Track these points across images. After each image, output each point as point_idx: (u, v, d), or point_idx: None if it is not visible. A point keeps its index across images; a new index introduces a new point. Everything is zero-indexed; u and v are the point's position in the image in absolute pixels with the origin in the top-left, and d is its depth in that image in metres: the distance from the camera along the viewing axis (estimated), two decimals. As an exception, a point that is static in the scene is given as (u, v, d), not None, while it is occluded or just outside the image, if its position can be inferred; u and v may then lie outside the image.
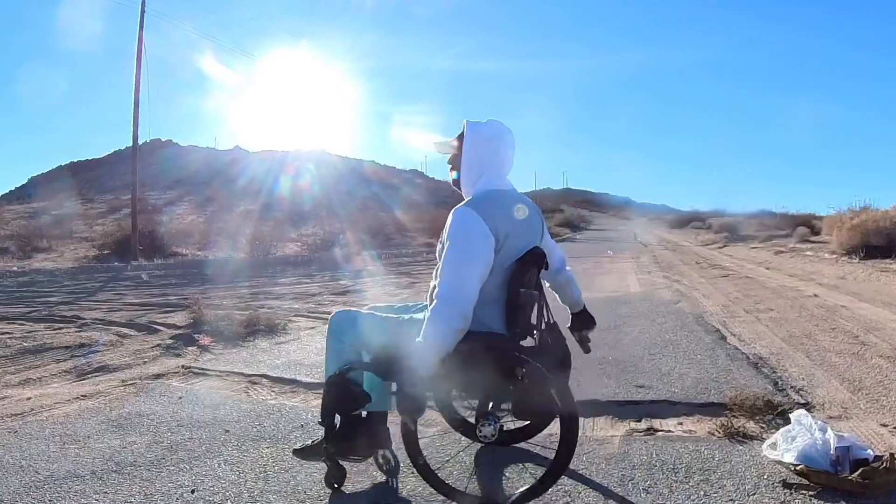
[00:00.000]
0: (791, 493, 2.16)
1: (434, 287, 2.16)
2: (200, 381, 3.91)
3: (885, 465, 2.16)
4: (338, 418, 2.23)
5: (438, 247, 2.17)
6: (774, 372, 3.81)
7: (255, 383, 3.82)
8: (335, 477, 2.25)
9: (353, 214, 28.24)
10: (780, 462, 2.36)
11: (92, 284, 10.86)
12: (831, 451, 2.24)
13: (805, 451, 2.28)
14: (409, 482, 2.31)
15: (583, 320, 2.55)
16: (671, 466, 2.41)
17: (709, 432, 2.78)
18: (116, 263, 15.63)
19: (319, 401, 2.25)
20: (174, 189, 40.44)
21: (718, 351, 4.43)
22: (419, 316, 2.19)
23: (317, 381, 3.70)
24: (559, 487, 2.22)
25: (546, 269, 2.24)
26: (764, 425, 2.83)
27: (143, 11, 17.43)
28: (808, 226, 22.34)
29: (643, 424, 2.94)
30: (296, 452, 2.33)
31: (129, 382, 3.84)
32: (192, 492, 2.26)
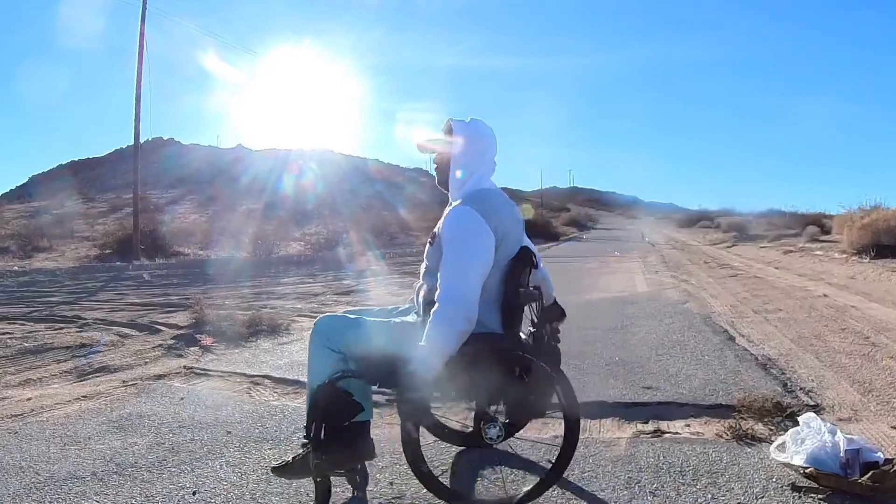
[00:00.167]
0: (800, 497, 2.14)
1: (421, 286, 2.14)
2: (202, 381, 3.89)
3: (895, 468, 2.14)
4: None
5: (428, 247, 2.15)
6: (783, 373, 3.79)
7: (258, 384, 3.80)
8: (325, 493, 2.10)
9: (356, 213, 28.26)
10: (788, 465, 2.34)
11: (93, 284, 10.86)
12: (841, 454, 2.22)
13: (814, 454, 2.26)
14: (413, 485, 2.28)
15: (553, 313, 2.50)
16: (678, 469, 2.39)
17: (717, 434, 2.76)
18: (118, 263, 15.65)
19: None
20: (176, 188, 40.54)
21: (727, 352, 4.41)
22: (410, 319, 2.17)
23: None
24: (564, 491, 2.20)
25: (536, 267, 2.21)
26: (773, 427, 2.81)
27: (144, 8, 17.41)
28: (817, 225, 22.27)
29: (650, 426, 2.92)
30: (276, 471, 2.15)
31: (131, 383, 3.82)
32: (194, 493, 2.24)
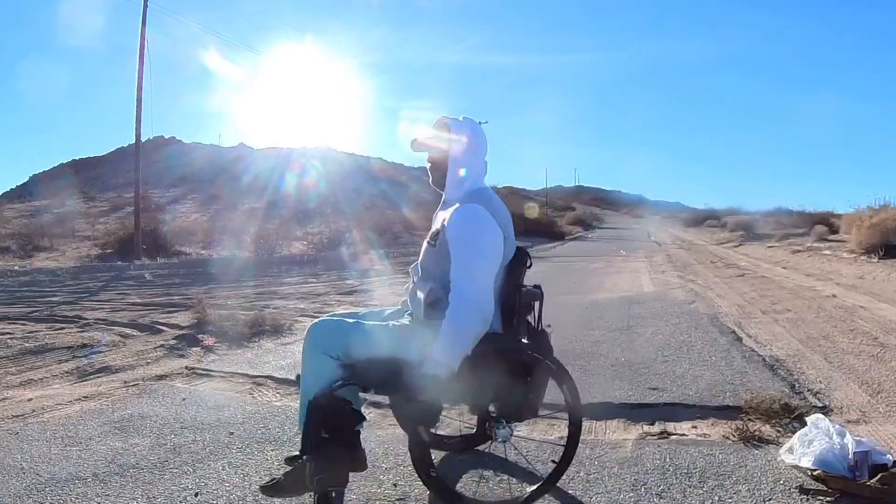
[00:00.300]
0: (808, 499, 2.13)
1: (415, 287, 2.11)
2: (204, 382, 3.87)
3: (904, 470, 2.12)
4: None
5: (427, 248, 2.13)
6: (791, 374, 3.78)
7: (260, 385, 3.79)
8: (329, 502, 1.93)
9: (359, 212, 28.22)
10: (796, 467, 2.33)
11: (94, 284, 10.84)
12: (849, 456, 2.21)
13: (822, 456, 2.26)
14: (417, 487, 2.26)
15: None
16: (685, 471, 2.38)
17: (724, 436, 2.74)
18: (119, 263, 15.62)
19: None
20: (178, 187, 40.52)
21: (734, 353, 4.39)
22: (405, 321, 2.14)
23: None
24: (570, 493, 2.19)
25: (530, 266, 2.20)
26: (780, 429, 2.79)
27: (145, 6, 17.31)
28: (825, 224, 22.24)
29: (656, 428, 2.90)
30: (267, 490, 1.98)
31: (132, 383, 3.80)
32: (196, 495, 2.23)
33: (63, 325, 5.97)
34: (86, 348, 4.84)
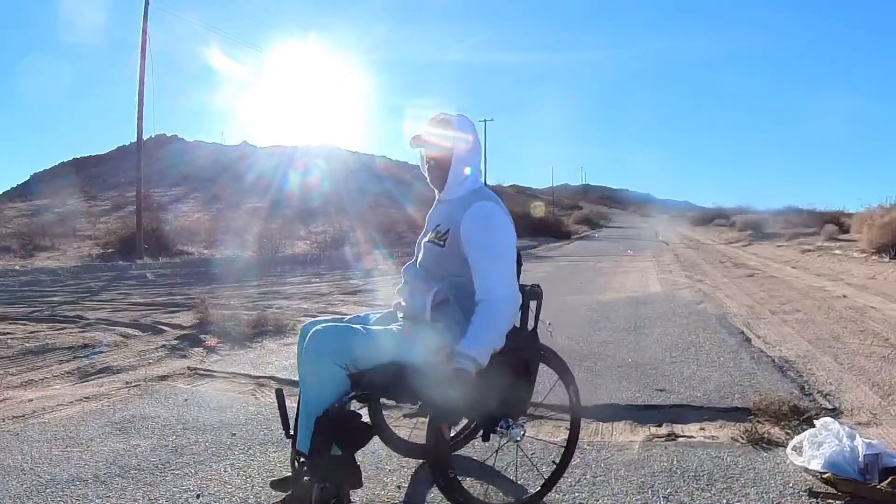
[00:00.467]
0: (818, 503, 2.11)
1: (414, 289, 2.10)
2: (206, 382, 3.86)
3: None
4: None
5: (433, 248, 2.10)
6: (801, 376, 3.75)
7: (263, 385, 3.77)
8: None
9: (363, 212, 28.18)
10: (806, 469, 2.32)
11: (95, 284, 10.86)
12: (860, 459, 2.20)
13: (832, 459, 2.24)
14: (421, 489, 2.25)
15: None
16: (692, 473, 2.36)
17: (732, 438, 2.72)
18: (121, 262, 15.63)
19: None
20: (180, 186, 40.62)
21: (742, 354, 4.37)
22: (399, 323, 2.11)
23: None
24: (575, 495, 2.18)
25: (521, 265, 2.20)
26: (790, 431, 2.76)
27: (147, 3, 17.33)
28: (836, 223, 22.25)
29: (664, 429, 2.88)
30: None
31: (134, 384, 3.79)
32: (198, 497, 2.21)
33: (64, 325, 5.97)
34: (87, 348, 4.83)
